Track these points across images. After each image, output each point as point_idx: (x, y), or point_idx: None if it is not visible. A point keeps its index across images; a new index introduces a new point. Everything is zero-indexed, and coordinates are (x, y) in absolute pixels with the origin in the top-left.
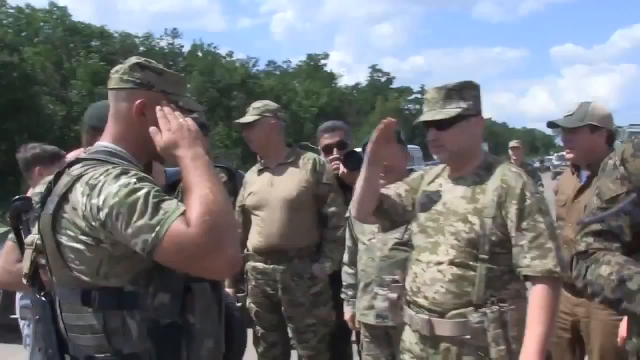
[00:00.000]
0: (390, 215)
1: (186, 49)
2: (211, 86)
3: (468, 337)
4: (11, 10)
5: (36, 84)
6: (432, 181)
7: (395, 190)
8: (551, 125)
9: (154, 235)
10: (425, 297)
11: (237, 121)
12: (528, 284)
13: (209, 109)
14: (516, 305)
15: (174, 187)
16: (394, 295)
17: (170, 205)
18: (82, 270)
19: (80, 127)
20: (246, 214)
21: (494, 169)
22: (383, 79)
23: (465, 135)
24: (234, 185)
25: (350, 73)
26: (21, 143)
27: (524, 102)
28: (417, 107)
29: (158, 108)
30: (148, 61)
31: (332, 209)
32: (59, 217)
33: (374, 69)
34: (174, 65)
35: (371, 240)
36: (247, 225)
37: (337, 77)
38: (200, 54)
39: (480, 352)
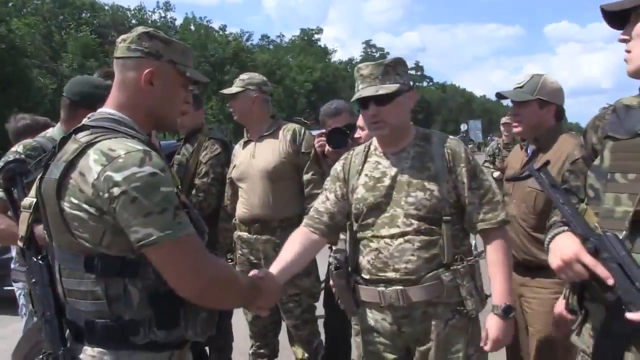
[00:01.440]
0: (338, 229)
1: (179, 22)
2: (204, 60)
3: (441, 296)
4: None
5: (25, 57)
6: (365, 161)
7: (325, 206)
8: (499, 96)
9: (162, 234)
10: (396, 270)
11: (222, 91)
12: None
13: None
14: (475, 258)
15: (169, 158)
16: (341, 281)
17: (185, 218)
18: (85, 237)
19: (61, 101)
20: (234, 185)
21: (431, 138)
22: (377, 55)
23: (402, 110)
24: (227, 156)
25: (343, 48)
26: (11, 116)
27: (518, 79)
28: (411, 83)
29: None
30: (156, 31)
31: (307, 177)
32: (64, 183)
33: (368, 44)
34: None
35: None
36: (235, 196)
37: (331, 52)
38: (192, 28)
39: (457, 307)
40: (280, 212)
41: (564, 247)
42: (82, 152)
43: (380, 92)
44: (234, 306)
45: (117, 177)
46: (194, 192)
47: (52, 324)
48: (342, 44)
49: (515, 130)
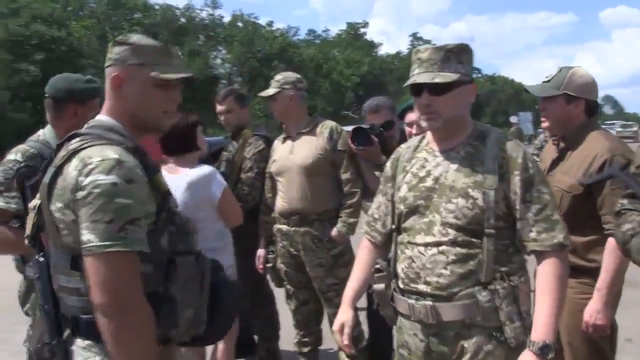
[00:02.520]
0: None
1: (226, 19)
2: (251, 56)
3: (478, 318)
4: None
5: (82, 57)
6: (412, 157)
7: (379, 212)
8: (526, 91)
9: (99, 244)
10: (427, 282)
11: (260, 94)
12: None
13: (249, 79)
14: (524, 278)
15: (215, 156)
16: (380, 286)
17: (136, 233)
18: (69, 238)
19: (44, 103)
20: (272, 179)
21: (487, 138)
22: None
23: (459, 103)
24: (270, 152)
25: (390, 41)
26: None
27: (549, 72)
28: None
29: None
30: (125, 37)
31: (345, 175)
32: (52, 187)
33: (415, 37)
34: (214, 36)
35: None
36: (274, 190)
37: (377, 46)
38: (240, 24)
39: (494, 332)
40: (317, 206)
41: None
42: (68, 158)
43: (437, 80)
44: (136, 349)
45: (84, 181)
46: (239, 185)
47: (49, 316)
48: (388, 37)
49: (543, 125)
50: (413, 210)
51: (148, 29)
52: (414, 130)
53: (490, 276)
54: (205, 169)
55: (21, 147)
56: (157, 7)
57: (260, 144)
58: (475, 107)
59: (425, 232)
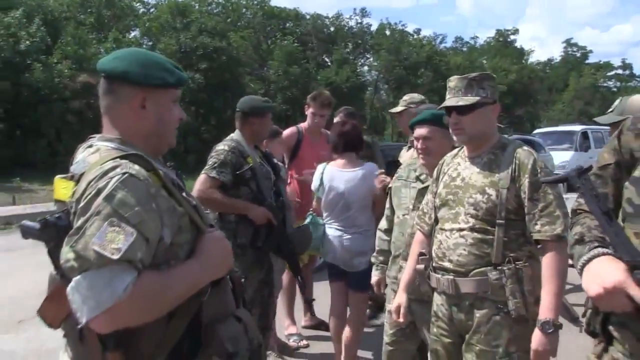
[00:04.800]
0: None
1: (374, 27)
2: (398, 64)
3: (488, 292)
4: (220, 0)
5: (239, 65)
6: (451, 162)
7: (428, 207)
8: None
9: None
10: (450, 260)
11: (390, 110)
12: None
13: (395, 86)
14: (529, 263)
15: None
16: (421, 266)
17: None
18: None
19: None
20: None
21: (507, 148)
22: (578, 54)
23: (482, 120)
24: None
25: (542, 47)
26: (226, 118)
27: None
28: (618, 83)
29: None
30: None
31: None
32: None
33: (568, 42)
34: (362, 44)
35: (404, 216)
36: None
37: (528, 53)
38: (387, 32)
39: (499, 305)
40: None
41: (606, 274)
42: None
43: (460, 103)
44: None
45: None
46: None
47: None
48: (540, 43)
49: None
50: (444, 204)
51: (299, 37)
52: (419, 145)
53: (500, 259)
54: (370, 166)
55: (225, 142)
56: (307, 16)
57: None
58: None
59: (452, 220)
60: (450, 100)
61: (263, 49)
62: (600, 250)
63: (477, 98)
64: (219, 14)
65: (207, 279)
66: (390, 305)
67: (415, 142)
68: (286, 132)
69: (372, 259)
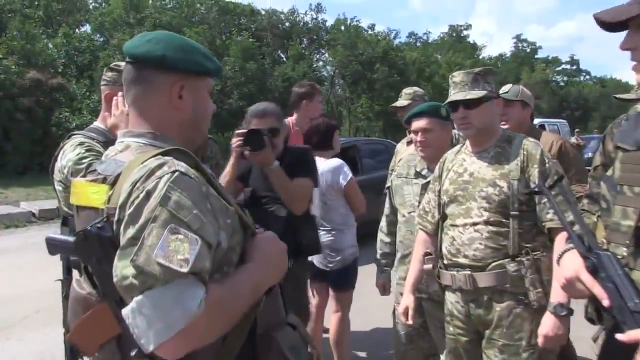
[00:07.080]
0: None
1: (329, 23)
2: (354, 59)
3: (507, 285)
4: None
5: None
6: (454, 159)
7: (430, 205)
8: (616, 98)
9: None
10: (466, 256)
11: (393, 105)
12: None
13: (351, 81)
14: (546, 253)
15: (344, 153)
16: (429, 266)
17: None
18: None
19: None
20: None
21: (513, 140)
22: (528, 50)
23: (488, 114)
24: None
25: (492, 42)
26: None
27: None
28: (566, 78)
29: (114, 97)
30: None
31: None
32: None
33: (519, 38)
34: (317, 40)
35: (410, 214)
36: None
37: (480, 48)
38: (343, 28)
39: (519, 297)
40: None
41: (567, 265)
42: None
43: (468, 96)
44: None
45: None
46: None
47: None
48: (490, 38)
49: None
50: (453, 200)
51: (254, 33)
52: (418, 138)
53: (517, 250)
54: (334, 162)
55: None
56: (263, 12)
57: None
58: (584, 112)
59: (464, 215)
60: (458, 95)
61: (218, 44)
62: (570, 245)
63: (484, 92)
64: (173, 9)
65: (269, 284)
66: (398, 307)
67: (413, 136)
68: (290, 119)
69: (375, 262)
